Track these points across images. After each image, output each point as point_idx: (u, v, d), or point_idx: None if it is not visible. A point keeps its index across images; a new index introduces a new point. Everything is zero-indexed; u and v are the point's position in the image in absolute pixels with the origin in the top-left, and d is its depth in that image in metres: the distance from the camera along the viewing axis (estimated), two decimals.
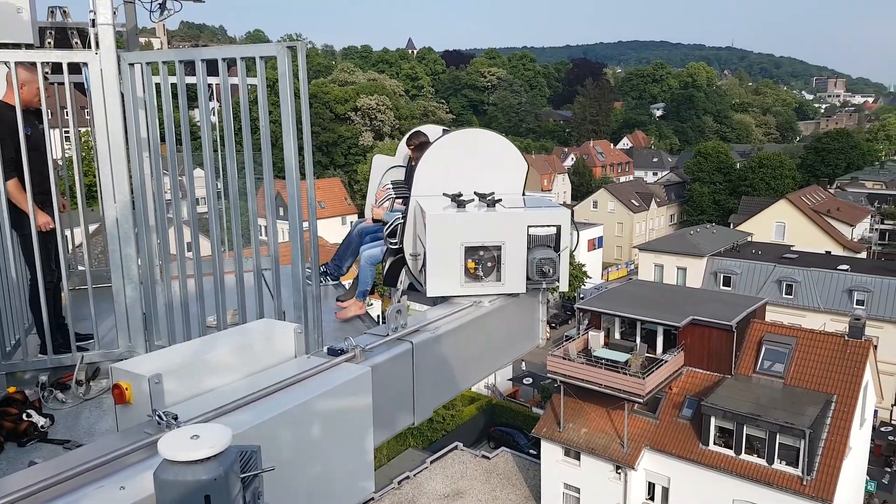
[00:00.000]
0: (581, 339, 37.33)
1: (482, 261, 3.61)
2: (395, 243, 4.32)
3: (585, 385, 26.21)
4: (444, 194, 3.74)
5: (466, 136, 4.27)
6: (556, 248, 3.67)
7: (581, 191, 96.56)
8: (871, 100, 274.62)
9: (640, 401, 25.22)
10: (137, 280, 4.11)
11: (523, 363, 45.53)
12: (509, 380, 42.95)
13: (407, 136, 5.50)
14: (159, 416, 2.16)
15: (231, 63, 3.60)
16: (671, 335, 27.07)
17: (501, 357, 3.96)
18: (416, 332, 3.22)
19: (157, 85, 3.94)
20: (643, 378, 24.90)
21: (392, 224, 4.43)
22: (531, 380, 41.04)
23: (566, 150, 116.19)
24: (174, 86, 3.82)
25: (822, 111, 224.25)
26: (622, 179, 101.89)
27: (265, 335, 2.74)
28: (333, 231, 69.95)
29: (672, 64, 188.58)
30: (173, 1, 4.30)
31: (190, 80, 3.89)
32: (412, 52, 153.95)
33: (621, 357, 26.62)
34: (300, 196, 3.49)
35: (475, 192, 3.77)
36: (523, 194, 4.26)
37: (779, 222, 58.98)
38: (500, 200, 3.73)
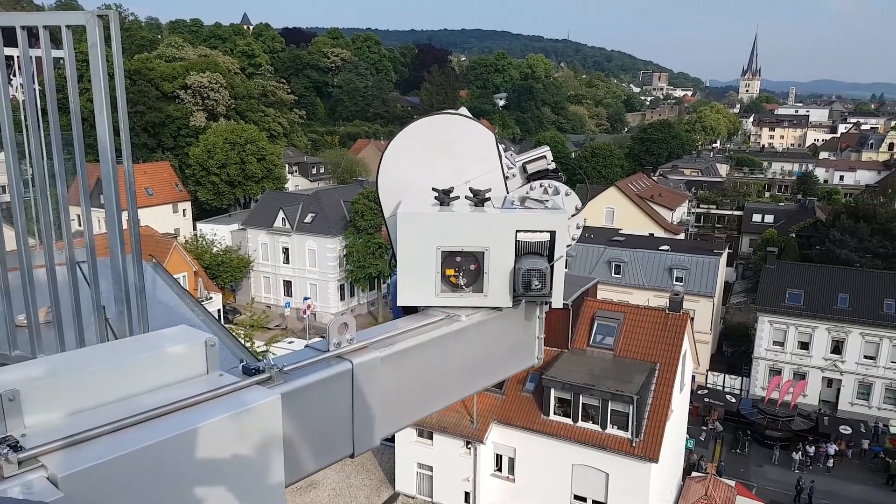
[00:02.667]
0: None
1: (462, 268, 3.07)
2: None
3: None
4: (433, 189, 3.20)
5: (433, 123, 3.50)
6: (550, 258, 3.06)
7: None
8: (689, 93, 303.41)
9: None
10: None
11: None
12: None
13: None
14: None
15: (34, 32, 3.22)
16: None
17: (482, 378, 3.40)
18: (363, 349, 2.69)
19: None
20: None
21: None
22: None
23: None
24: None
25: (648, 103, 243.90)
26: None
27: (169, 347, 2.28)
28: (164, 220, 65.27)
29: (513, 54, 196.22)
30: None
31: None
32: (248, 28, 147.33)
33: None
34: (117, 181, 3.20)
35: (470, 188, 3.21)
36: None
37: (609, 208, 63.50)
38: (488, 199, 3.16)
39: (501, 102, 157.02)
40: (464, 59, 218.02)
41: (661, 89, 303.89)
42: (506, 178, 3.50)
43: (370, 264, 53.62)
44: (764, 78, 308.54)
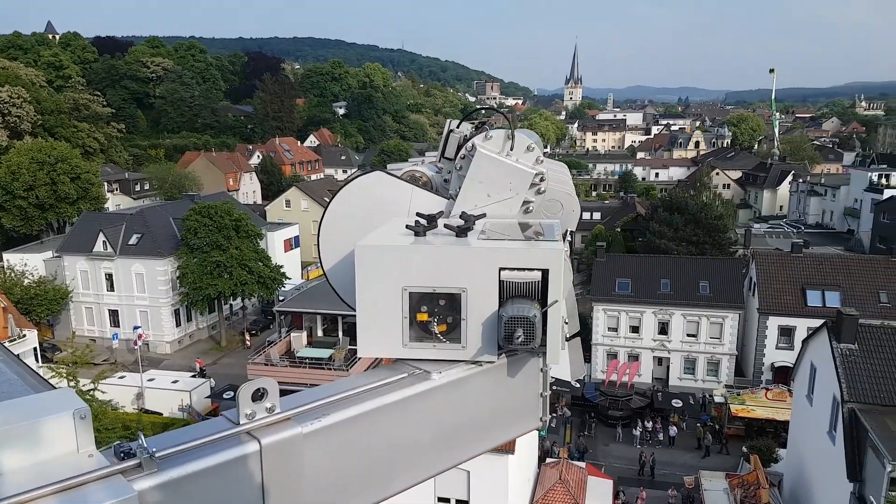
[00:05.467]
0: (283, 341, 36.55)
1: (437, 314, 2.50)
2: None
3: (291, 388, 25.60)
4: (416, 214, 2.61)
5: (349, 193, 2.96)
6: (542, 303, 2.44)
7: (272, 189, 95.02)
8: (521, 102, 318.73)
9: None
10: None
11: (212, 379, 43.07)
12: (207, 397, 40.27)
13: None
14: None
15: None
16: None
17: (463, 448, 2.73)
18: (282, 422, 2.06)
19: None
20: (347, 370, 25.25)
21: None
22: (233, 392, 38.98)
23: (251, 147, 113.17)
24: None
25: (483, 113, 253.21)
26: (313, 177, 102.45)
27: (30, 418, 1.70)
28: None
29: (348, 63, 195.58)
30: None
31: None
32: (53, 37, 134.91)
33: (325, 353, 26.66)
34: None
35: (461, 215, 2.64)
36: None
37: None
38: (471, 228, 2.54)
39: (342, 111, 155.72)
40: (298, 67, 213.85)
41: (495, 98, 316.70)
42: (444, 184, 3.02)
43: (208, 285, 50.18)
44: (585, 86, 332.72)
